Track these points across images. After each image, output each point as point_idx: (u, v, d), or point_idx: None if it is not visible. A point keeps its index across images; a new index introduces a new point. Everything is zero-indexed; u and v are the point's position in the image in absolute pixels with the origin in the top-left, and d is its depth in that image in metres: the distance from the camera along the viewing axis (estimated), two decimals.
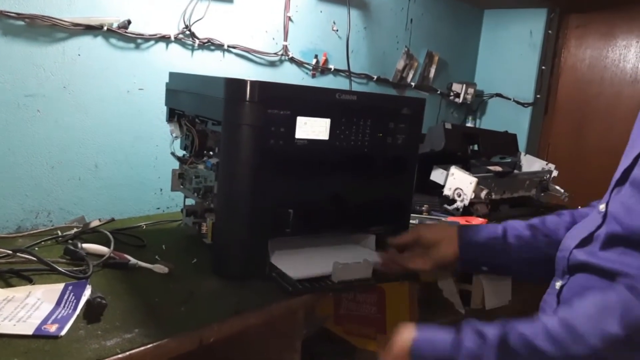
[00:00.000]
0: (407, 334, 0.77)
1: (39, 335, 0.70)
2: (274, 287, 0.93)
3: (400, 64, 2.09)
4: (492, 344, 0.71)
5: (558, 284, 0.83)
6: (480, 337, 0.73)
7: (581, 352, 0.65)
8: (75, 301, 0.80)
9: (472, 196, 1.58)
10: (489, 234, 1.00)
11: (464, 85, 2.34)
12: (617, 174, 0.79)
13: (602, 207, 0.79)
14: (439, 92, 2.32)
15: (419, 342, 0.75)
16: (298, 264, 1.00)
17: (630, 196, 0.73)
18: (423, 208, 1.62)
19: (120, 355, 0.67)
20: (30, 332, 0.71)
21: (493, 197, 1.63)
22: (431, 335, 0.76)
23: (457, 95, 2.35)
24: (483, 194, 1.59)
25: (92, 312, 0.77)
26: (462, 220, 1.52)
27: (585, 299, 0.69)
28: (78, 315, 0.76)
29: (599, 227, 0.78)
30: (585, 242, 0.80)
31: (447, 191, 1.62)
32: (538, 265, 0.95)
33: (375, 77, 1.98)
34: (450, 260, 1.00)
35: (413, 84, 2.16)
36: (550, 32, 2.35)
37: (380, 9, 1.95)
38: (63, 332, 0.71)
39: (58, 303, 0.79)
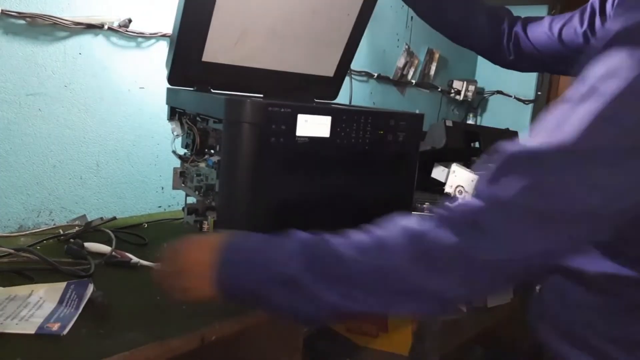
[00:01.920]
0: (216, 238, 0.69)
1: (42, 334, 0.70)
2: None
3: (401, 62, 2.09)
4: (300, 244, 0.68)
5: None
6: (292, 238, 0.69)
7: (383, 263, 0.63)
8: (77, 300, 0.80)
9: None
10: None
11: (465, 83, 2.34)
12: None
13: None
14: (439, 89, 2.32)
15: (231, 240, 0.69)
16: None
17: None
18: (424, 205, 1.62)
19: (122, 354, 0.67)
20: (32, 331, 0.71)
21: None
22: (244, 236, 0.70)
23: (458, 92, 2.35)
24: None
25: (94, 310, 0.77)
26: None
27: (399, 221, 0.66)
28: (80, 314, 0.76)
29: None
30: None
31: (448, 189, 1.62)
32: None
33: (376, 74, 1.98)
34: None
35: (414, 81, 2.16)
36: None
37: (380, 6, 1.94)
38: (65, 331, 0.71)
39: (60, 302, 0.79)
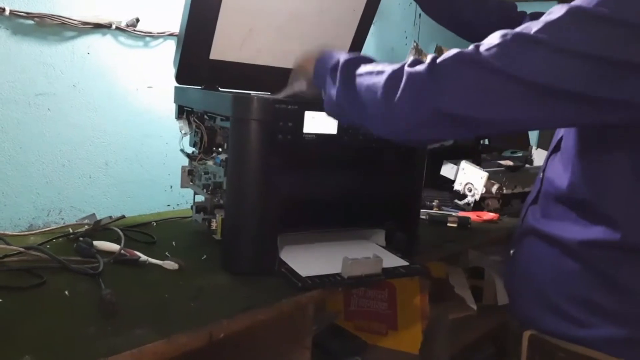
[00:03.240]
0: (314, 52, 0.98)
1: None
2: (283, 283, 0.92)
3: (409, 59, 2.07)
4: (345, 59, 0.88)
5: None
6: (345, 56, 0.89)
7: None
8: None
9: (483, 191, 1.56)
10: None
11: None
12: (552, 144, 0.92)
13: (541, 174, 0.94)
14: None
15: (319, 59, 0.94)
16: (307, 259, 1.00)
17: (562, 161, 0.86)
18: (433, 203, 1.61)
19: (130, 351, 0.67)
20: None
21: (504, 191, 1.61)
22: (330, 52, 0.94)
23: None
24: (494, 189, 1.57)
25: (103, 308, 0.77)
26: (473, 216, 1.51)
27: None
28: (89, 312, 0.76)
29: (539, 191, 0.93)
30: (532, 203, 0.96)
31: (457, 186, 1.61)
32: None
33: None
34: None
35: None
36: None
37: (388, 4, 1.93)
38: None
39: None
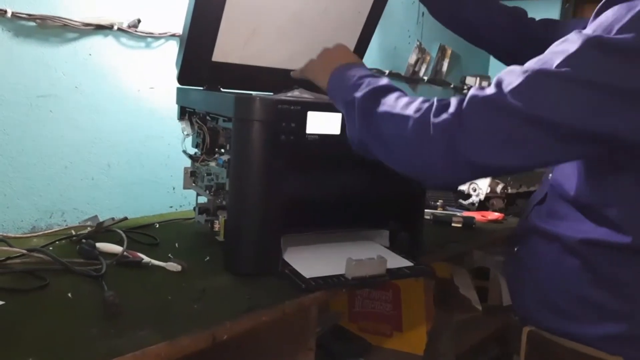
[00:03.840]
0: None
1: None
2: (286, 284, 0.92)
3: (413, 58, 2.07)
4: (370, 87, 0.86)
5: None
6: (371, 80, 0.88)
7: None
8: None
9: (488, 190, 1.55)
10: None
11: (478, 79, 2.31)
12: None
13: (550, 176, 0.95)
14: (452, 85, 2.29)
15: (333, 77, 0.94)
16: (311, 260, 1.00)
17: (570, 164, 0.85)
18: (437, 203, 1.60)
19: (133, 353, 0.66)
20: None
21: (509, 191, 1.60)
22: (343, 69, 0.94)
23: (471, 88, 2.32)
24: (499, 188, 1.56)
25: (106, 310, 0.77)
26: (477, 215, 1.50)
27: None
28: (92, 314, 0.76)
29: (546, 192, 0.94)
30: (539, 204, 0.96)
31: (462, 186, 1.60)
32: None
33: (387, 71, 1.96)
34: None
35: (426, 78, 2.14)
36: None
37: (391, 3, 1.91)
38: None
39: None
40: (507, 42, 1.21)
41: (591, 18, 0.75)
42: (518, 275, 0.98)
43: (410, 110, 0.77)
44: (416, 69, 2.09)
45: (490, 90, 0.72)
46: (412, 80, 2.09)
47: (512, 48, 1.20)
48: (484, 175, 0.78)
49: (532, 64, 0.71)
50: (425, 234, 1.21)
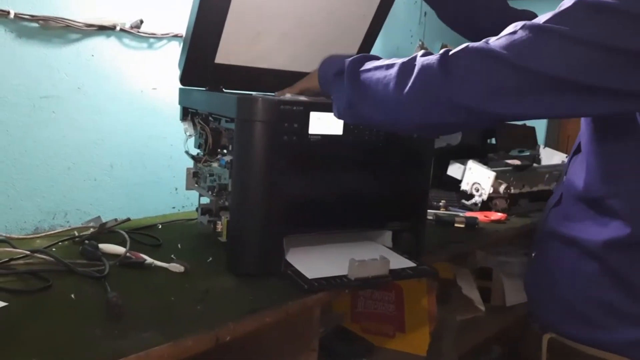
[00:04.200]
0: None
1: None
2: (289, 285, 0.92)
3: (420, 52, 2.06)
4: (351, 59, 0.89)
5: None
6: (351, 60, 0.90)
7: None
8: None
9: (491, 190, 1.55)
10: None
11: None
12: (574, 146, 0.93)
13: (563, 177, 0.95)
14: None
15: (323, 64, 0.97)
16: (313, 261, 0.99)
17: (581, 162, 0.87)
18: (440, 203, 1.60)
19: (136, 354, 0.66)
20: None
21: (512, 191, 1.60)
22: (331, 58, 0.97)
23: None
24: (502, 188, 1.56)
25: (109, 311, 0.77)
26: (480, 216, 1.50)
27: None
28: (95, 315, 0.76)
29: (561, 194, 0.93)
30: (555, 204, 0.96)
31: (464, 186, 1.60)
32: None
33: None
34: None
35: None
36: None
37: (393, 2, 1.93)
38: None
39: None
40: None
41: None
42: (537, 282, 0.96)
43: (398, 60, 0.83)
44: None
45: (479, 42, 0.76)
46: None
47: None
48: (471, 120, 0.78)
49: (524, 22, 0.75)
50: (428, 234, 1.21)
